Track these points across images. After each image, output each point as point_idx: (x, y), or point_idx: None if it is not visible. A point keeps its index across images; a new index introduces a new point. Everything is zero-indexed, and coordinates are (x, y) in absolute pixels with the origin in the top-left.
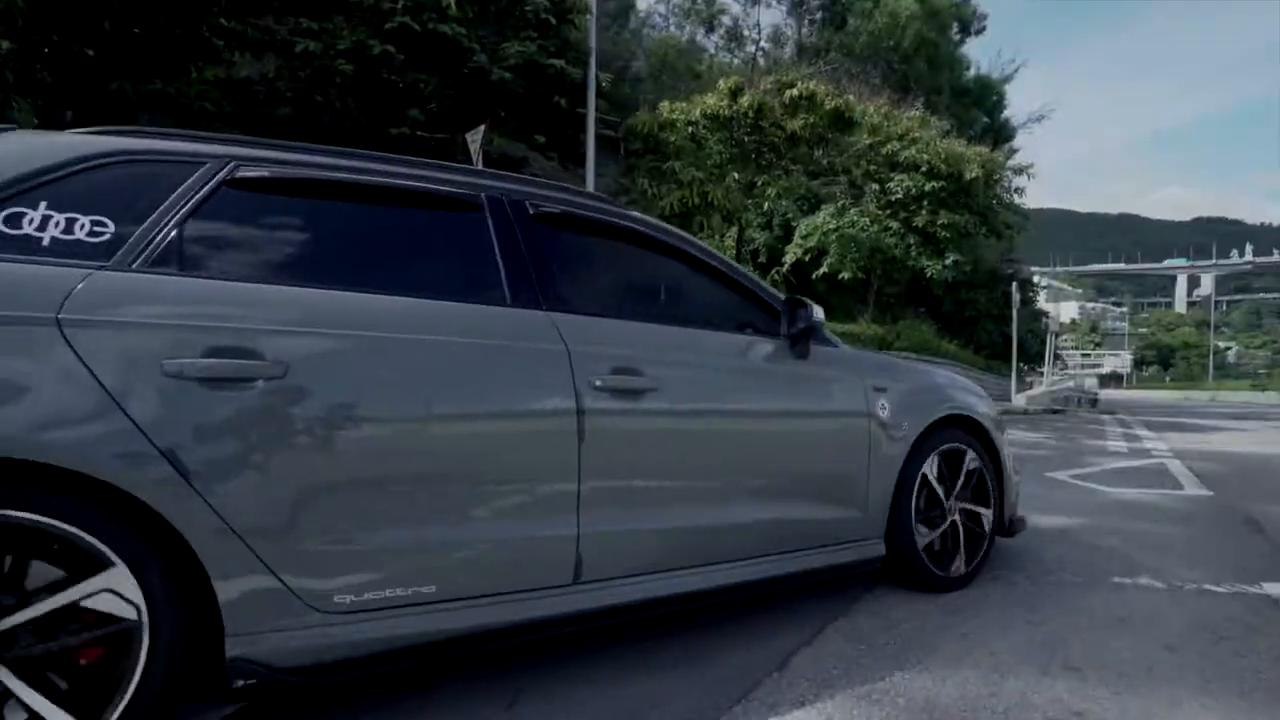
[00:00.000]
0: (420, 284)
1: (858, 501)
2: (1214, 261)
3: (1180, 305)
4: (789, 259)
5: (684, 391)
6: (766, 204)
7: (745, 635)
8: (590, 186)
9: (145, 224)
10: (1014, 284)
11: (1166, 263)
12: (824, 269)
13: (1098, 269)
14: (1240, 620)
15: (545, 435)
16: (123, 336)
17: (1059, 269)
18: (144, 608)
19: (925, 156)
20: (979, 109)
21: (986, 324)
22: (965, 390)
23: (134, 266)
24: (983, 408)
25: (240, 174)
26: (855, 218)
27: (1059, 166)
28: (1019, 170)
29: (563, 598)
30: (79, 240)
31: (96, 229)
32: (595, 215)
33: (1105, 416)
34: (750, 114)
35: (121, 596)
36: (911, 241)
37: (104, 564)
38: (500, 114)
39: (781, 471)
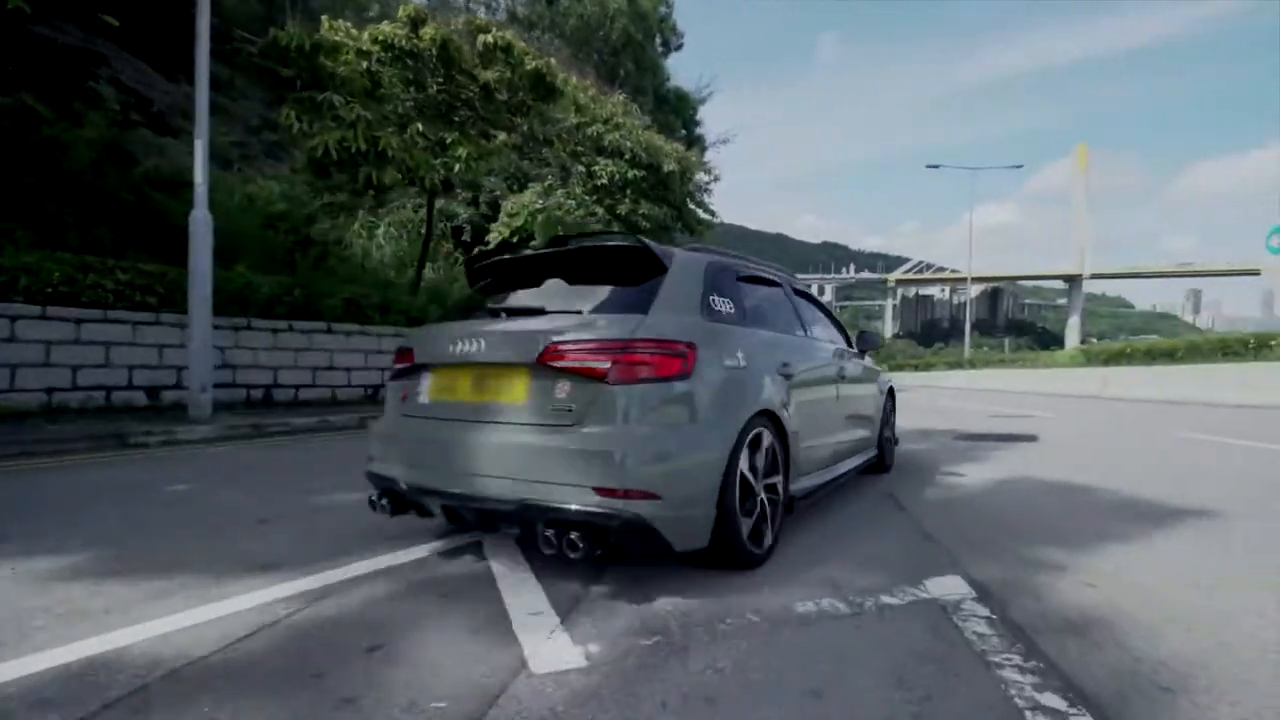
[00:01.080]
0: (785, 327)
1: (873, 428)
2: (833, 275)
3: None
4: (494, 238)
5: (851, 378)
6: (458, 166)
7: None
8: (203, 110)
9: (727, 300)
10: None
11: (803, 275)
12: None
13: None
14: (928, 656)
15: (832, 397)
16: (765, 359)
17: None
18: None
19: (629, 143)
20: (677, 118)
21: None
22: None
23: (747, 323)
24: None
25: (712, 268)
26: (562, 199)
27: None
28: (709, 175)
29: (824, 473)
30: (728, 313)
31: (727, 306)
32: (799, 286)
33: None
34: (435, 53)
35: (776, 462)
36: (616, 229)
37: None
38: None
39: (863, 412)
